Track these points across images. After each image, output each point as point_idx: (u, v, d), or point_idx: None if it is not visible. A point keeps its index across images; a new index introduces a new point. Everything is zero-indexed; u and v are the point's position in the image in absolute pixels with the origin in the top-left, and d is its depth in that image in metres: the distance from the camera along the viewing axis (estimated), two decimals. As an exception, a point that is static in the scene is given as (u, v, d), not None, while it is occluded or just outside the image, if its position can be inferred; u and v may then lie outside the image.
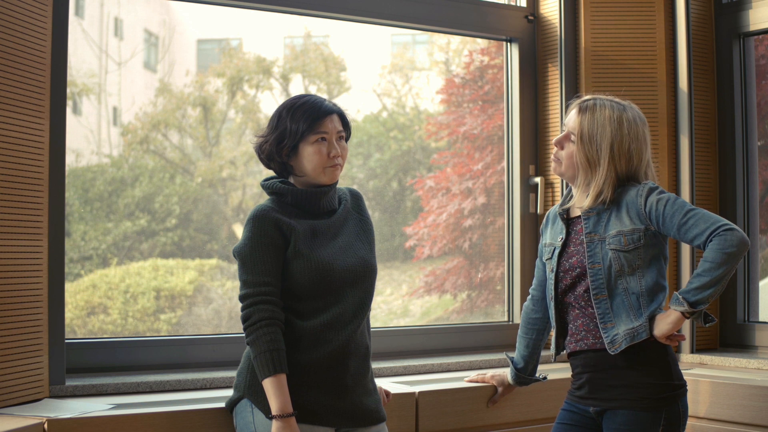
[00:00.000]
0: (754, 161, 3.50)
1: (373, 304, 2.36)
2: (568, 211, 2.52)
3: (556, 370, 3.04)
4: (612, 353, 2.35)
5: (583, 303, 2.41)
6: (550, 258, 2.49)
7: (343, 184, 2.42)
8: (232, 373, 2.74)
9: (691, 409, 2.89)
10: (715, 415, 2.84)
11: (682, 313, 2.29)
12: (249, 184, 4.05)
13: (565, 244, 2.47)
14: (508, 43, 3.62)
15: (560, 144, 2.47)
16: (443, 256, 4.20)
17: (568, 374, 2.54)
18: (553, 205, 3.43)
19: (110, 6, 3.93)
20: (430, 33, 4.29)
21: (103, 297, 3.71)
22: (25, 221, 2.41)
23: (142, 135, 4.01)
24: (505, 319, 3.59)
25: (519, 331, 2.71)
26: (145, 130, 4.01)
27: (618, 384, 2.37)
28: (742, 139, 3.50)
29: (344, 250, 2.27)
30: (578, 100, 2.48)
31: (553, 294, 2.47)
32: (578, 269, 2.41)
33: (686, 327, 3.38)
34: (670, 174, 3.43)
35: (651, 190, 2.37)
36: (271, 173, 2.38)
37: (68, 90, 2.65)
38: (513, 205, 3.56)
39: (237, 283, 2.24)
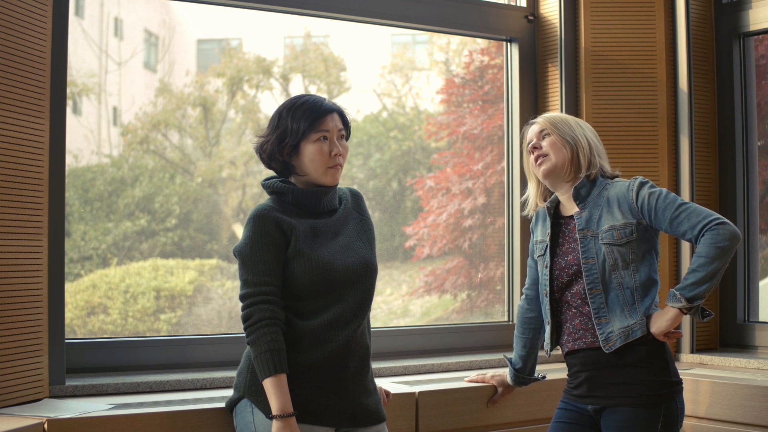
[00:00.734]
0: (754, 161, 3.50)
1: (373, 304, 2.36)
2: (557, 207, 2.54)
3: (555, 370, 3.04)
4: (606, 351, 2.37)
5: (579, 301, 2.43)
6: (542, 255, 2.52)
7: (343, 184, 2.43)
8: (232, 373, 2.74)
9: (691, 409, 2.89)
10: (715, 415, 2.84)
11: (680, 309, 2.31)
12: (249, 184, 4.05)
13: (559, 243, 2.49)
14: (508, 43, 3.62)
15: (538, 143, 2.52)
16: (443, 256, 4.20)
17: (566, 373, 2.54)
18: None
19: (110, 6, 3.93)
20: (430, 33, 4.29)
21: (103, 297, 3.70)
22: (25, 221, 2.41)
23: (142, 135, 4.01)
24: (505, 319, 3.59)
25: (515, 331, 2.72)
26: (145, 130, 4.01)
27: (617, 381, 2.38)
28: (742, 139, 3.50)
29: (345, 249, 2.27)
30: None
31: (547, 290, 2.49)
32: (574, 267, 2.43)
33: (686, 327, 3.38)
34: (670, 174, 3.43)
35: (642, 184, 2.40)
36: (271, 173, 2.38)
37: (68, 90, 2.65)
38: (513, 205, 3.56)
39: (237, 283, 2.24)
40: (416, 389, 2.71)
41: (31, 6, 2.45)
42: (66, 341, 2.61)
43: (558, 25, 3.50)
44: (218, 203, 4.09)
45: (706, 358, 3.31)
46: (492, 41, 3.92)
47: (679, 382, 2.42)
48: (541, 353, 2.76)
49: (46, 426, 2.17)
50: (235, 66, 4.26)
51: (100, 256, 3.76)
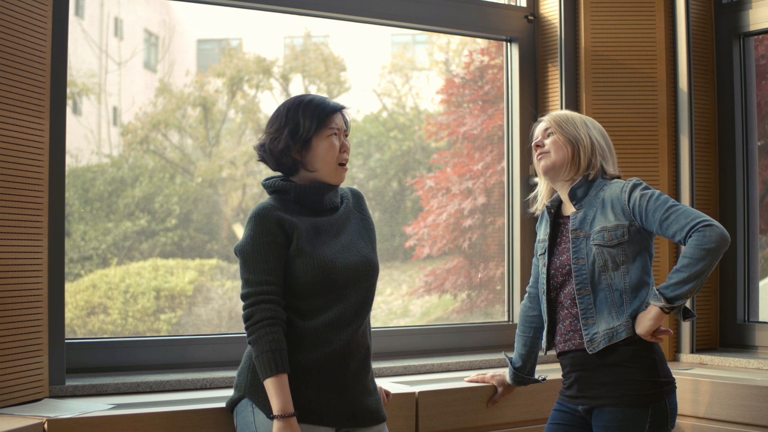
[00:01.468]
0: (754, 161, 3.50)
1: (373, 304, 2.36)
2: (558, 207, 2.55)
3: (555, 371, 3.04)
4: (590, 352, 2.38)
5: (569, 302, 2.45)
6: (543, 254, 2.54)
7: (343, 184, 2.43)
8: (232, 373, 2.74)
9: (691, 409, 2.89)
10: (715, 415, 2.84)
11: (661, 308, 2.31)
12: (249, 184, 4.05)
13: (557, 242, 2.50)
14: (508, 43, 3.62)
15: (542, 141, 2.53)
16: (443, 256, 4.20)
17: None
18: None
19: (110, 6, 3.93)
20: (430, 33, 4.29)
21: (103, 297, 3.70)
22: (25, 221, 2.41)
23: (142, 135, 4.01)
24: (505, 319, 3.59)
25: (517, 329, 2.73)
26: (145, 130, 4.01)
27: (605, 382, 2.39)
28: (742, 139, 3.50)
29: (346, 248, 2.27)
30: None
31: (545, 289, 2.51)
32: (567, 267, 2.45)
33: (686, 327, 3.38)
34: (670, 174, 3.43)
35: (635, 186, 2.41)
36: (269, 174, 2.38)
37: (68, 90, 2.65)
38: (513, 205, 3.56)
39: (237, 283, 2.23)
40: (416, 389, 2.71)
41: (31, 6, 2.45)
42: (66, 341, 2.61)
43: (558, 25, 3.50)
44: (218, 203, 4.09)
45: (706, 358, 3.31)
46: (492, 41, 3.92)
47: (670, 383, 2.42)
48: (541, 353, 2.77)
49: (46, 426, 2.17)
50: (235, 66, 4.26)
51: (100, 256, 3.76)
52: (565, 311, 2.48)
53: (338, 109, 2.30)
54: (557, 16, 3.50)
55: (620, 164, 3.27)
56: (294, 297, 2.21)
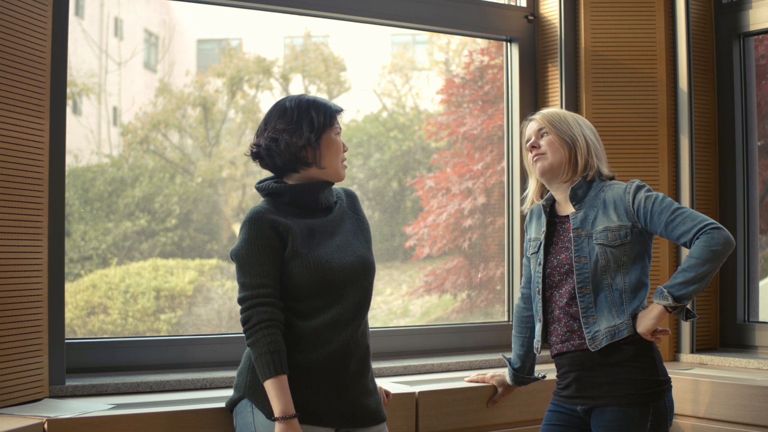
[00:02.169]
0: (754, 161, 3.50)
1: (373, 304, 2.36)
2: (552, 205, 2.55)
3: (555, 370, 3.03)
4: (592, 350, 2.38)
5: (566, 301, 2.44)
6: (536, 252, 2.53)
7: (343, 184, 2.43)
8: (232, 373, 2.74)
9: (691, 409, 2.90)
10: (715, 415, 2.84)
11: (666, 307, 2.32)
12: (249, 184, 4.05)
13: (553, 241, 2.50)
14: (508, 43, 3.62)
15: (537, 142, 2.52)
16: (443, 256, 4.20)
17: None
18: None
19: (110, 6, 3.93)
20: (430, 33, 4.29)
21: (103, 297, 3.70)
22: (25, 221, 2.41)
23: (142, 135, 4.01)
24: (505, 319, 3.59)
25: (513, 331, 2.73)
26: (145, 130, 4.01)
27: (605, 381, 2.39)
28: (742, 139, 3.50)
29: (342, 248, 2.27)
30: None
31: (540, 287, 2.50)
32: (566, 266, 2.45)
33: (686, 327, 3.38)
34: (670, 174, 3.43)
35: (639, 188, 2.41)
36: (262, 176, 2.36)
37: (68, 90, 2.65)
38: (513, 205, 3.56)
39: (237, 283, 2.23)
40: (416, 389, 2.71)
41: (31, 6, 2.45)
42: (66, 341, 2.61)
43: (558, 25, 3.50)
44: (218, 203, 4.09)
45: (706, 358, 3.31)
46: (492, 41, 3.92)
47: (667, 381, 2.43)
48: (534, 351, 2.77)
49: (46, 426, 2.17)
50: (235, 66, 4.26)
51: (100, 256, 3.76)
52: (559, 311, 2.47)
53: (341, 110, 2.32)
54: (557, 16, 3.50)
55: (620, 164, 3.28)
56: (292, 299, 2.21)
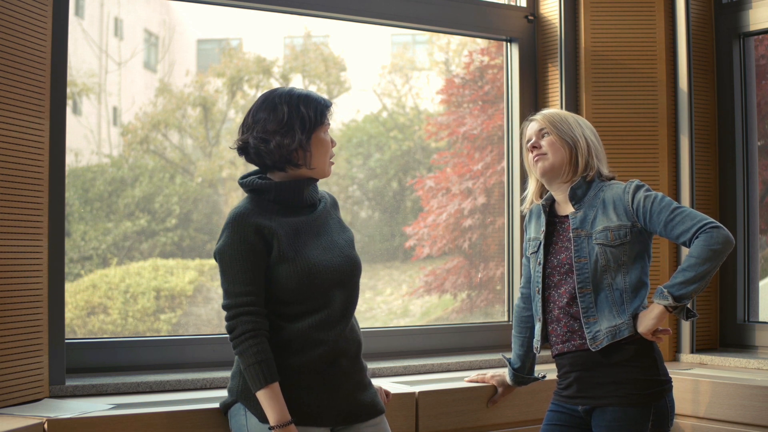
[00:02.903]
0: (754, 161, 3.50)
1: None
2: (552, 205, 2.55)
3: (555, 370, 3.03)
4: (593, 350, 2.38)
5: (566, 301, 2.44)
6: (535, 252, 2.53)
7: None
8: (232, 373, 2.74)
9: (691, 409, 2.89)
10: (715, 415, 2.84)
11: (666, 307, 2.32)
12: (249, 184, 4.04)
13: (552, 241, 2.50)
14: (508, 43, 3.62)
15: (537, 142, 2.52)
16: (443, 256, 4.20)
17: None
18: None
19: (110, 6, 3.93)
20: (430, 33, 4.29)
21: (103, 297, 3.70)
22: (25, 221, 2.41)
23: (142, 135, 4.00)
24: (505, 319, 3.59)
25: (513, 331, 2.73)
26: (145, 130, 4.01)
27: (606, 381, 2.39)
28: (742, 139, 3.50)
29: (329, 249, 2.23)
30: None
31: (539, 287, 2.50)
32: (566, 265, 2.45)
33: (686, 327, 3.38)
34: (670, 174, 3.43)
35: (638, 188, 2.41)
36: (246, 170, 2.33)
37: (68, 90, 2.65)
38: (513, 205, 3.56)
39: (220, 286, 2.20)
40: (416, 389, 2.71)
41: (31, 6, 2.45)
42: (66, 341, 2.61)
43: (558, 25, 3.50)
44: (218, 203, 4.09)
45: (706, 358, 3.31)
46: (492, 41, 3.92)
47: (668, 381, 2.43)
48: (534, 351, 2.77)
49: (46, 426, 2.17)
50: (235, 66, 4.26)
51: (100, 256, 3.76)
52: (558, 311, 2.47)
53: (331, 104, 2.28)
54: (557, 16, 3.50)
55: (620, 164, 3.28)
56: (279, 303, 2.18)
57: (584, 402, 2.44)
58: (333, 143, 2.28)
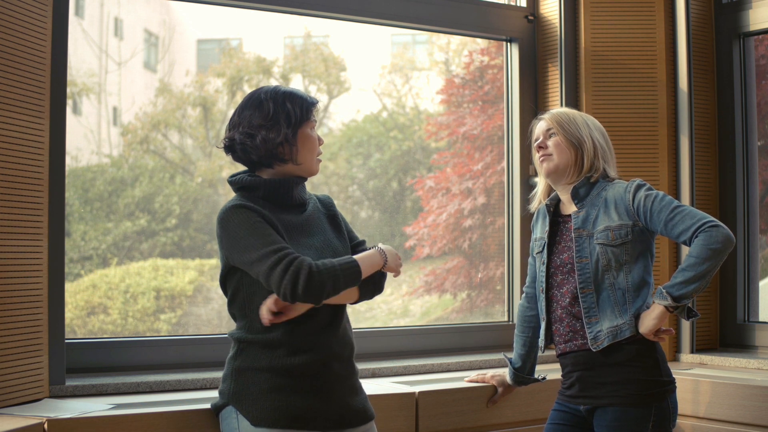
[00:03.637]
0: (754, 161, 3.50)
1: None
2: (557, 205, 2.55)
3: (555, 370, 3.04)
4: (594, 350, 2.39)
5: (568, 301, 2.44)
6: (540, 252, 2.54)
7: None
8: (232, 373, 2.74)
9: (691, 409, 2.89)
10: (715, 415, 2.84)
11: (666, 307, 2.32)
12: (249, 184, 4.04)
13: (556, 241, 2.50)
14: (508, 43, 3.62)
15: (544, 142, 2.52)
16: (443, 256, 4.20)
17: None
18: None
19: (110, 6, 3.93)
20: (430, 33, 4.29)
21: (103, 297, 3.70)
22: (25, 221, 2.41)
23: (142, 135, 4.00)
24: (505, 319, 3.59)
25: (515, 330, 2.73)
26: (145, 130, 4.01)
27: (607, 381, 2.39)
28: (742, 139, 3.50)
29: (321, 251, 2.20)
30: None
31: (543, 287, 2.50)
32: (569, 265, 2.45)
33: (686, 327, 3.38)
34: (670, 174, 3.43)
35: (639, 187, 2.41)
36: (235, 170, 2.30)
37: (68, 90, 2.65)
38: (513, 205, 3.56)
39: (249, 269, 2.09)
40: (416, 389, 2.71)
41: (31, 6, 2.45)
42: (66, 341, 2.61)
43: (558, 25, 3.50)
44: (218, 203, 4.08)
45: (706, 358, 3.31)
46: (492, 41, 3.92)
47: (671, 382, 2.43)
48: (539, 351, 2.77)
49: (46, 426, 2.17)
50: (235, 66, 4.26)
51: (100, 256, 3.76)
52: (561, 311, 2.48)
53: (316, 102, 2.25)
54: (557, 16, 3.50)
55: (620, 164, 3.27)
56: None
57: (586, 402, 2.44)
58: (320, 141, 2.26)
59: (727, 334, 3.49)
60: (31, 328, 2.42)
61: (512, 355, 2.75)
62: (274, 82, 4.36)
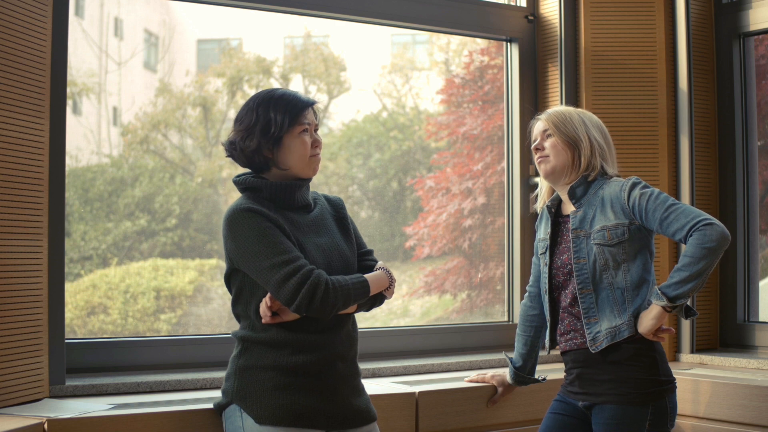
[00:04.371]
0: (754, 161, 3.50)
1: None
2: (558, 206, 2.55)
3: (555, 371, 3.04)
4: (593, 351, 2.39)
5: (569, 301, 2.45)
6: (544, 253, 2.54)
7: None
8: (232, 373, 2.74)
9: (691, 409, 2.89)
10: (715, 415, 2.84)
11: (663, 307, 2.32)
12: (249, 184, 4.03)
13: (557, 242, 2.51)
14: (508, 43, 3.62)
15: (541, 144, 2.52)
16: (443, 256, 4.20)
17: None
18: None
19: (110, 6, 3.93)
20: (430, 33, 4.29)
21: (103, 297, 3.70)
22: (25, 221, 2.41)
23: (142, 135, 4.00)
24: (505, 318, 3.59)
25: (517, 329, 2.73)
26: (145, 130, 4.01)
27: (606, 379, 2.40)
28: (742, 139, 3.50)
29: (328, 252, 2.21)
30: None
31: (546, 288, 2.51)
32: (568, 266, 2.45)
33: (686, 327, 3.38)
34: (670, 174, 3.43)
35: (634, 185, 2.41)
36: (240, 171, 2.31)
37: (68, 90, 2.65)
38: (513, 205, 3.56)
39: (259, 276, 2.11)
40: (416, 389, 2.71)
41: (31, 6, 2.45)
42: (66, 341, 2.61)
43: (558, 25, 3.50)
44: (218, 203, 4.08)
45: (706, 358, 3.31)
46: (492, 41, 3.92)
47: (670, 382, 2.43)
48: (542, 352, 2.77)
49: (46, 426, 2.17)
50: (235, 66, 4.26)
51: (100, 256, 3.76)
52: (565, 310, 2.48)
53: (310, 104, 2.24)
54: (557, 16, 3.50)
55: (620, 164, 3.27)
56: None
57: (585, 398, 2.45)
58: (316, 142, 2.24)
59: (727, 334, 3.49)
60: (31, 328, 2.42)
61: (513, 354, 2.75)
62: (274, 82, 4.36)
